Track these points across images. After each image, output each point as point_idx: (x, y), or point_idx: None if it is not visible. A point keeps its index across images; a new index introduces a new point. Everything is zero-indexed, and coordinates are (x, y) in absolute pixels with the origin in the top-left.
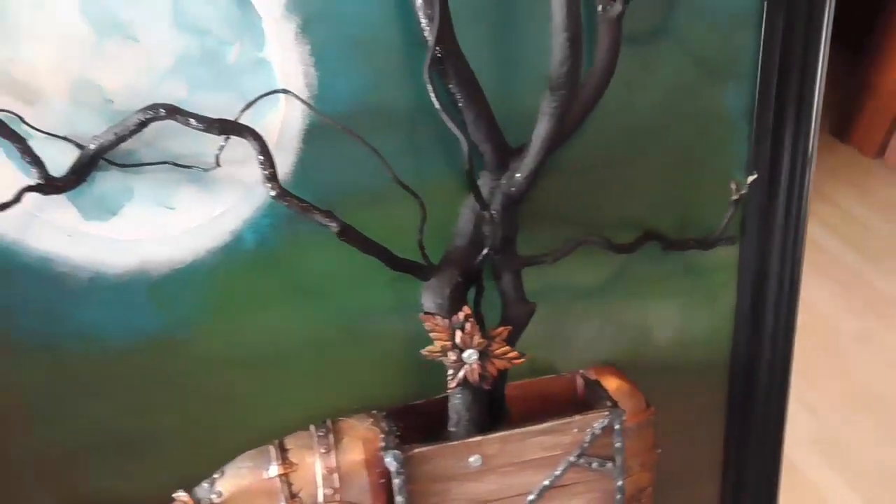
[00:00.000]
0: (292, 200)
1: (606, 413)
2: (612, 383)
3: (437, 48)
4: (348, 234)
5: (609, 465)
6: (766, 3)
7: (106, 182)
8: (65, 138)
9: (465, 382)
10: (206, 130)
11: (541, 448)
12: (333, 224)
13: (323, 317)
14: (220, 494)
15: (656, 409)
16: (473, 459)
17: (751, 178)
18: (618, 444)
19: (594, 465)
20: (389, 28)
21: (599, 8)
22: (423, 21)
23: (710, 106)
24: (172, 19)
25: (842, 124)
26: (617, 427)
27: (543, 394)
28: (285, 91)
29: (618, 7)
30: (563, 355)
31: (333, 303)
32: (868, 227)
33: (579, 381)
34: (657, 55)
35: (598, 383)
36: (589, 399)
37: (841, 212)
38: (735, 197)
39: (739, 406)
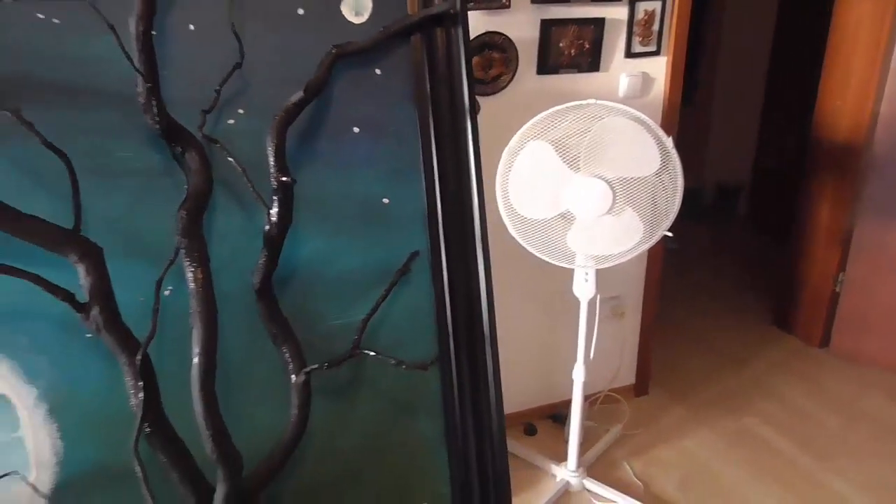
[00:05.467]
0: None
1: None
2: None
3: (146, 424)
4: None
5: None
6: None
7: None
8: None
9: None
10: None
11: None
12: None
13: None
14: None
15: None
16: None
17: None
18: None
19: None
20: (123, 408)
21: (293, 377)
22: (133, 401)
23: (411, 435)
24: None
25: (783, 315)
26: None
27: None
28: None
29: (301, 377)
30: None
31: None
32: (818, 422)
33: None
34: (356, 401)
35: None
36: None
37: (789, 408)
38: None
39: None
